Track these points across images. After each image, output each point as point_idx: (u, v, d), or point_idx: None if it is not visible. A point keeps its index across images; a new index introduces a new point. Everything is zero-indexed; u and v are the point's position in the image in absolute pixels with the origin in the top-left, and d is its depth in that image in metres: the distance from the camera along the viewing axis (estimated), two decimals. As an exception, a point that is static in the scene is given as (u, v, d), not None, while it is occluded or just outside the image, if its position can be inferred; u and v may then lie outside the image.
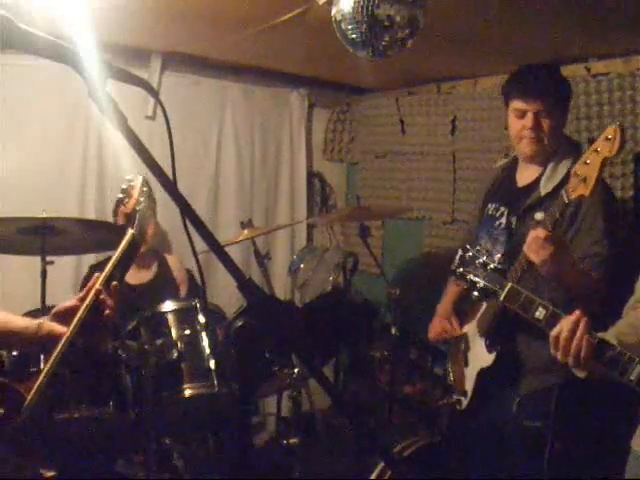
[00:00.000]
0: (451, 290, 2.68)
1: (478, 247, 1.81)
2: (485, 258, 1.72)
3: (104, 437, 2.37)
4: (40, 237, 2.57)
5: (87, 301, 1.40)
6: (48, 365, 1.37)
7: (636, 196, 2.92)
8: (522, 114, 2.21)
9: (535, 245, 1.85)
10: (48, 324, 1.44)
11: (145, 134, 2.73)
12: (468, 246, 1.83)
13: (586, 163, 1.65)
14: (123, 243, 1.49)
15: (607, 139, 1.61)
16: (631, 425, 1.58)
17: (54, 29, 1.47)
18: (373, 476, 2.53)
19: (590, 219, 2.12)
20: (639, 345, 1.48)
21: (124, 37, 3.19)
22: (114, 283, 1.45)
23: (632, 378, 1.39)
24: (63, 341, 1.37)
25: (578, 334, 1.45)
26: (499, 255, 1.73)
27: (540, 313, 1.61)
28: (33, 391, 1.35)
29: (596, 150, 1.63)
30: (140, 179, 1.69)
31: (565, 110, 2.27)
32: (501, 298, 1.66)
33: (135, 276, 3.20)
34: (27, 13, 2.28)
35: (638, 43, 2.77)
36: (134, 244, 1.50)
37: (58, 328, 1.42)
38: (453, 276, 1.82)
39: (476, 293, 1.74)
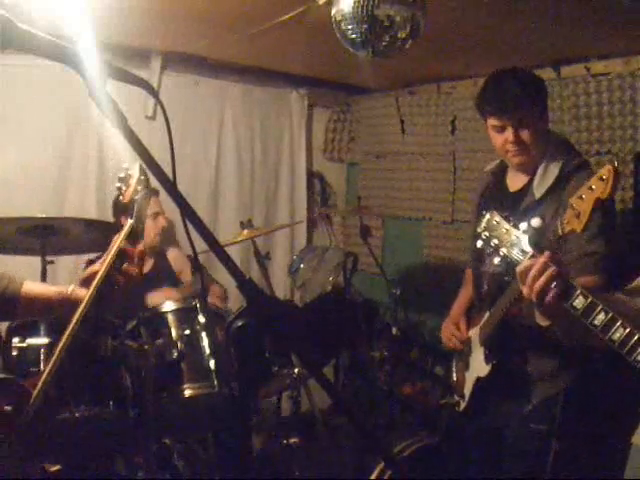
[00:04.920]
0: (464, 292, 2.61)
1: (506, 214, 1.71)
2: (511, 226, 1.63)
3: (104, 437, 2.36)
4: (40, 237, 2.57)
5: (108, 259, 1.42)
6: (55, 356, 1.37)
7: (636, 196, 2.92)
8: (501, 129, 2.15)
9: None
10: (80, 290, 1.48)
11: (145, 134, 2.71)
12: (495, 211, 1.72)
13: (581, 198, 1.58)
14: (122, 234, 1.47)
15: (601, 179, 1.52)
16: (633, 422, 1.57)
17: (54, 29, 1.47)
18: (373, 476, 2.53)
19: None
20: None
21: (124, 37, 3.19)
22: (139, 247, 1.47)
23: (596, 323, 1.36)
24: (87, 297, 1.39)
25: (548, 272, 1.41)
26: (525, 225, 1.60)
27: None
28: (39, 386, 1.35)
29: (590, 188, 1.55)
30: (137, 167, 1.61)
31: (544, 112, 2.20)
32: None
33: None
34: (27, 13, 2.28)
35: (638, 43, 2.77)
36: (134, 235, 1.48)
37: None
38: (479, 240, 1.69)
39: (498, 261, 1.64)
